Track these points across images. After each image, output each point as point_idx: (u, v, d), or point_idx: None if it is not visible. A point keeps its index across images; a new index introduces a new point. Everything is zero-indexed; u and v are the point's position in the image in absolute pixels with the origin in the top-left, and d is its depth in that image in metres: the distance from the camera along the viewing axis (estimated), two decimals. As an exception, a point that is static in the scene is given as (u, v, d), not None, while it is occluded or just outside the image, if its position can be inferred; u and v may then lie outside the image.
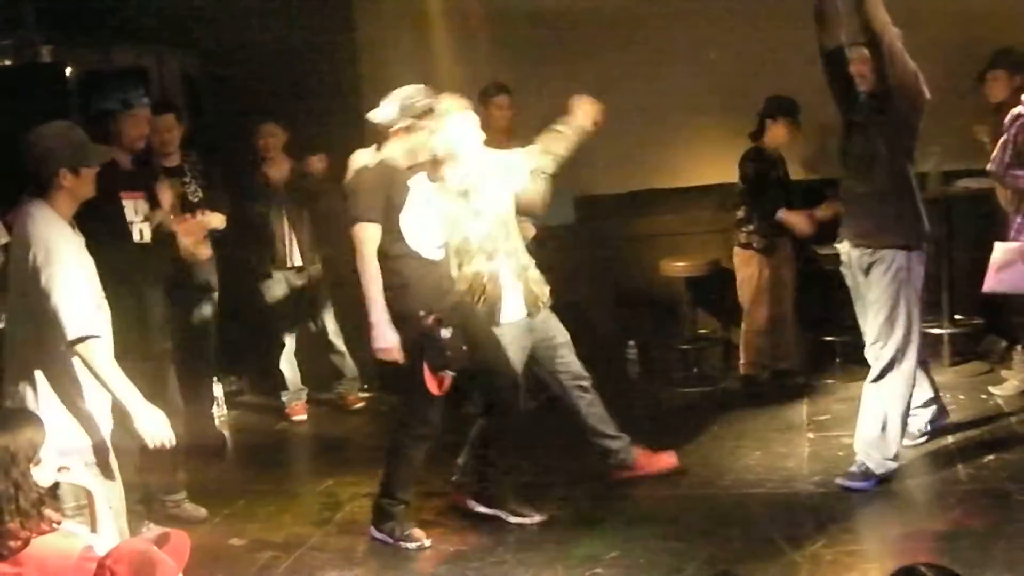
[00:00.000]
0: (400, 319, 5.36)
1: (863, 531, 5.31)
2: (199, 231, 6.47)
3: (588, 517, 5.72)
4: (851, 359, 7.71)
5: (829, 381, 7.59)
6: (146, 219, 5.84)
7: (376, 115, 5.43)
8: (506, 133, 7.25)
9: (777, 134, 7.27)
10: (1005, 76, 6.85)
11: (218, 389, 7.81)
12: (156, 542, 4.06)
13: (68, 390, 4.42)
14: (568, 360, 6.11)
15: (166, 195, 6.29)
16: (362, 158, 5.47)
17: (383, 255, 5.36)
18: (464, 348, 5.41)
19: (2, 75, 8.01)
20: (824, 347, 7.80)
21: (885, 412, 5.71)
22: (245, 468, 6.93)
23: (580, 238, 8.37)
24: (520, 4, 8.41)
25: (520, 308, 5.85)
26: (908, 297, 5.64)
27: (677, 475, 6.17)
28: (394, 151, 5.40)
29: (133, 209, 5.76)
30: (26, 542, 3.71)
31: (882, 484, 5.69)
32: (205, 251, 6.59)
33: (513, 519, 5.70)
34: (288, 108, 7.97)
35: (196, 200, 7.08)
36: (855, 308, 5.93)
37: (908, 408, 5.80)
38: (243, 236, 7.57)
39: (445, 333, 5.32)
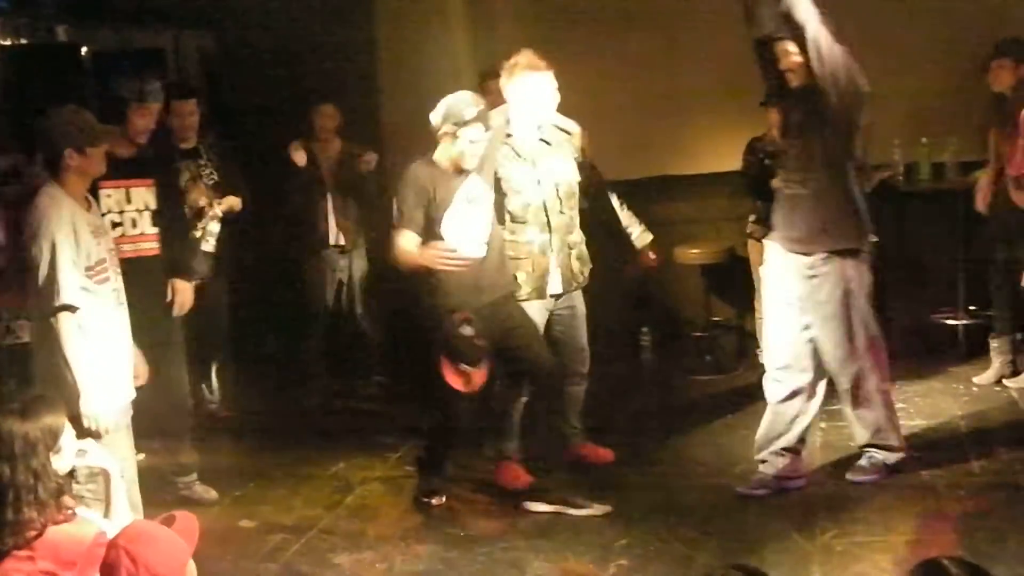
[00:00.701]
0: (424, 313, 5.52)
1: (875, 522, 5.26)
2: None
3: (601, 503, 5.67)
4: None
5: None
6: (147, 208, 5.81)
7: (430, 116, 5.53)
8: None
9: (775, 123, 7.18)
10: (1011, 65, 6.76)
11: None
12: (163, 522, 4.06)
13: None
14: (578, 341, 6.14)
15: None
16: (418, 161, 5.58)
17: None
18: (483, 345, 5.38)
19: (18, 54, 8.02)
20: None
21: (883, 405, 5.65)
22: (255, 450, 6.91)
23: (593, 223, 8.31)
24: (542, 12, 8.39)
25: (558, 284, 5.89)
26: (858, 304, 5.46)
27: (690, 465, 6.16)
28: (440, 154, 5.50)
29: (126, 197, 5.69)
30: (42, 531, 3.72)
31: (892, 475, 5.65)
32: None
33: (575, 512, 5.62)
34: (305, 90, 7.94)
35: (211, 183, 7.08)
36: (759, 302, 5.89)
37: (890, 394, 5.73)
38: (279, 216, 7.64)
39: (467, 330, 5.32)
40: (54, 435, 3.85)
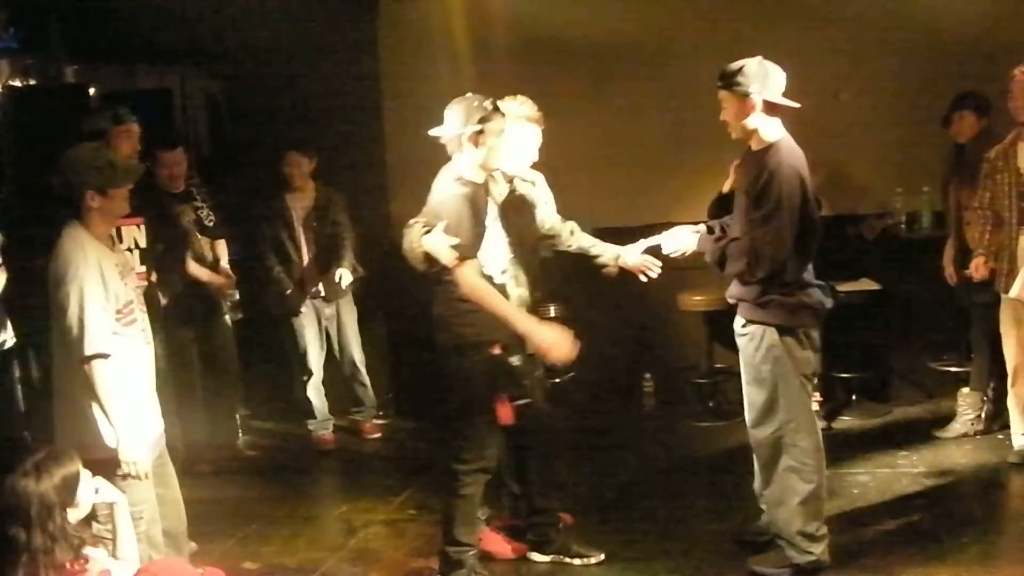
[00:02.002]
0: (466, 347, 5.14)
1: (879, 568, 5.26)
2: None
3: (600, 549, 5.64)
4: (868, 396, 7.75)
5: (845, 418, 7.56)
6: (136, 246, 5.88)
7: (442, 129, 5.21)
8: None
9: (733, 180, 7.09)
10: (973, 117, 6.86)
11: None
12: None
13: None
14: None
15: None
16: (445, 180, 5.20)
17: (453, 280, 5.09)
18: (539, 375, 5.28)
19: (27, 94, 8.08)
20: (840, 384, 7.76)
21: (791, 502, 5.17)
22: (260, 491, 6.91)
23: (585, 270, 8.36)
24: (545, 33, 8.48)
25: None
26: (787, 377, 5.11)
27: (689, 510, 6.17)
28: (468, 163, 5.17)
29: (117, 236, 5.63)
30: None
31: (799, 574, 5.21)
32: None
33: (575, 562, 5.57)
34: (311, 131, 7.99)
35: (211, 224, 7.15)
36: None
37: (813, 490, 5.15)
38: (264, 261, 7.56)
39: (516, 360, 5.18)
40: (71, 491, 3.81)
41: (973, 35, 7.80)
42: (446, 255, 5.03)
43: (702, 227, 5.43)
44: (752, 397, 5.27)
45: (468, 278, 5.06)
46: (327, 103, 8.58)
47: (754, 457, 5.37)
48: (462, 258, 5.03)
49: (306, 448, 7.71)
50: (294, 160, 7.48)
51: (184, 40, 8.65)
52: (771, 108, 5.03)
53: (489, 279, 5.14)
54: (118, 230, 5.67)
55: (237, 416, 7.63)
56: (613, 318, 8.56)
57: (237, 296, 7.45)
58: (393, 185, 8.73)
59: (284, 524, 6.33)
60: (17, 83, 8.04)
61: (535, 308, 5.41)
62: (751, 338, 5.17)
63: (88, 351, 4.36)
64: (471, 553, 5.32)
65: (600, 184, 8.54)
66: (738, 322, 5.30)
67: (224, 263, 7.28)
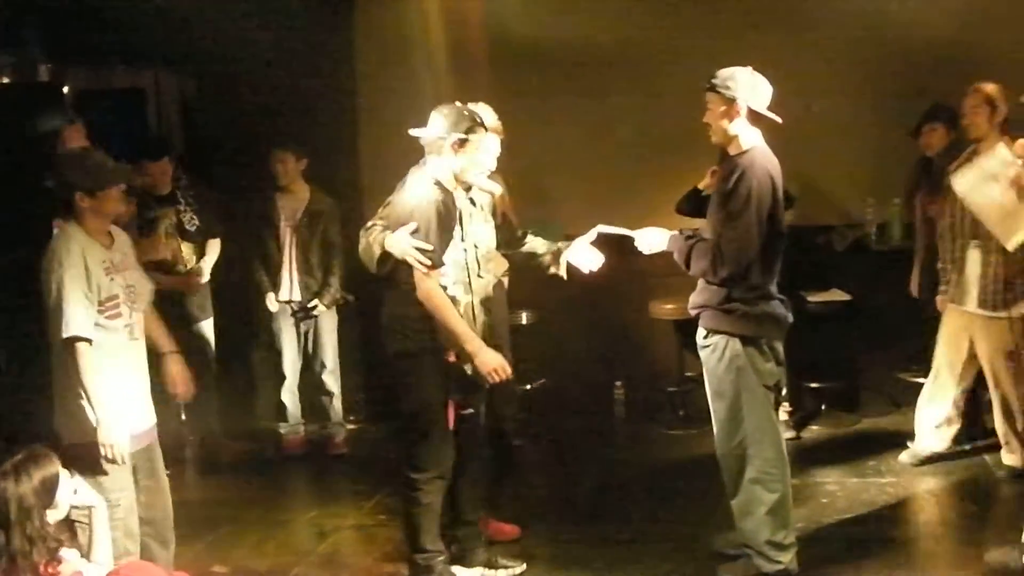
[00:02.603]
0: (421, 352, 5.14)
1: (846, 579, 5.32)
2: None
3: (572, 558, 5.72)
4: (838, 405, 7.79)
5: (814, 427, 7.60)
6: None
7: (427, 131, 5.19)
8: None
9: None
10: (943, 130, 6.95)
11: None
12: None
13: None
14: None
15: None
16: (421, 183, 5.18)
17: (411, 284, 5.08)
18: (485, 384, 5.29)
19: (1, 93, 8.05)
20: (810, 393, 7.80)
21: (757, 512, 5.21)
22: (231, 495, 6.90)
23: (569, 276, 8.38)
24: (521, 39, 8.49)
25: None
26: (750, 388, 5.15)
27: (660, 519, 6.19)
28: (445, 169, 5.17)
29: None
30: None
31: None
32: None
33: (501, 572, 5.57)
34: (285, 132, 7.96)
35: (194, 228, 7.13)
36: None
37: (779, 499, 5.19)
38: (248, 262, 7.53)
39: (468, 368, 5.16)
40: (49, 492, 3.85)
41: (945, 46, 7.85)
42: (414, 258, 5.02)
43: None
44: (716, 408, 5.30)
45: (429, 286, 5.06)
46: (301, 105, 8.55)
47: (722, 468, 5.38)
48: (429, 267, 5.03)
49: (277, 452, 7.69)
50: (278, 157, 7.40)
51: (158, 40, 8.60)
52: (754, 118, 5.11)
53: (444, 288, 5.13)
54: None
55: (214, 420, 7.58)
56: (584, 326, 8.58)
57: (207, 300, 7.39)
58: (367, 188, 8.71)
59: (254, 528, 6.32)
60: (-9, 81, 8.03)
61: (485, 317, 5.40)
62: (713, 349, 5.20)
63: (66, 332, 4.53)
64: (440, 559, 5.32)
65: (574, 190, 8.57)
66: (700, 334, 5.32)
67: (205, 263, 7.25)
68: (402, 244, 5.06)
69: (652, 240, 5.41)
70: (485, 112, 5.41)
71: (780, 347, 5.24)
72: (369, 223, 5.38)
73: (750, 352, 5.11)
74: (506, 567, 5.58)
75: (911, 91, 7.79)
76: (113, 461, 4.55)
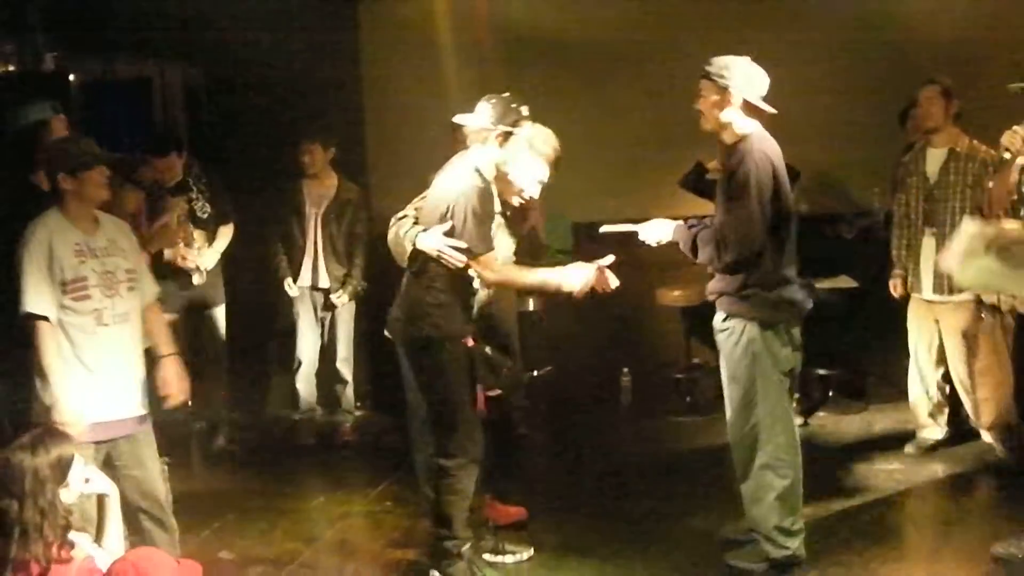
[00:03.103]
0: (444, 339, 5.08)
1: (855, 564, 5.30)
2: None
3: (579, 545, 5.72)
4: (844, 392, 7.79)
5: (821, 415, 7.59)
6: None
7: (471, 119, 5.19)
8: None
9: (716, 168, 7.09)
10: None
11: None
12: None
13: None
14: None
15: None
16: (462, 171, 5.13)
17: (437, 271, 5.07)
18: (510, 363, 5.28)
19: (5, 80, 8.04)
20: (817, 380, 7.79)
21: (767, 498, 5.17)
22: (237, 482, 6.90)
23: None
24: (526, 30, 8.47)
25: None
26: (765, 373, 5.11)
27: (667, 505, 6.19)
28: (487, 159, 5.13)
29: None
30: (45, 572, 3.74)
31: (775, 569, 5.21)
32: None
33: (509, 558, 5.55)
34: (290, 121, 7.96)
35: (205, 216, 7.13)
36: None
37: (789, 485, 5.16)
38: (269, 248, 7.54)
39: (489, 350, 5.17)
40: (63, 470, 3.87)
41: (952, 36, 7.84)
42: (448, 257, 4.99)
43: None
44: (730, 393, 5.27)
45: (491, 271, 5.06)
46: (307, 96, 8.55)
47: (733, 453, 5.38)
48: (479, 254, 5.00)
49: (285, 439, 7.70)
50: (306, 148, 7.42)
51: (164, 31, 8.60)
52: (748, 109, 5.07)
53: (466, 274, 5.10)
54: None
55: (221, 408, 7.56)
56: (591, 313, 8.54)
57: (200, 266, 7.26)
58: (373, 177, 8.72)
59: (261, 515, 6.32)
60: (-4, 70, 8.02)
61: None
62: (730, 333, 5.17)
63: (22, 309, 4.65)
64: (467, 546, 5.28)
65: (580, 180, 8.52)
66: (717, 318, 5.29)
67: (212, 250, 7.23)
68: (435, 243, 5.05)
69: (657, 232, 5.40)
70: (544, 135, 5.26)
71: (797, 332, 5.22)
72: (401, 213, 5.36)
73: (767, 337, 5.09)
74: (513, 552, 5.57)
75: (919, 80, 7.76)
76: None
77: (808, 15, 8.29)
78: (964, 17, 7.97)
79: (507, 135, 5.09)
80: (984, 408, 6.52)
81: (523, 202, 5.39)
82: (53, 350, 4.66)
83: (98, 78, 8.53)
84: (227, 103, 8.79)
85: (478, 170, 5.09)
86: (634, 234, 5.47)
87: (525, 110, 5.15)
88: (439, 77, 8.52)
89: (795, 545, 5.19)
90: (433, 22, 8.68)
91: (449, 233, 5.01)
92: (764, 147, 5.05)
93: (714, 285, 5.26)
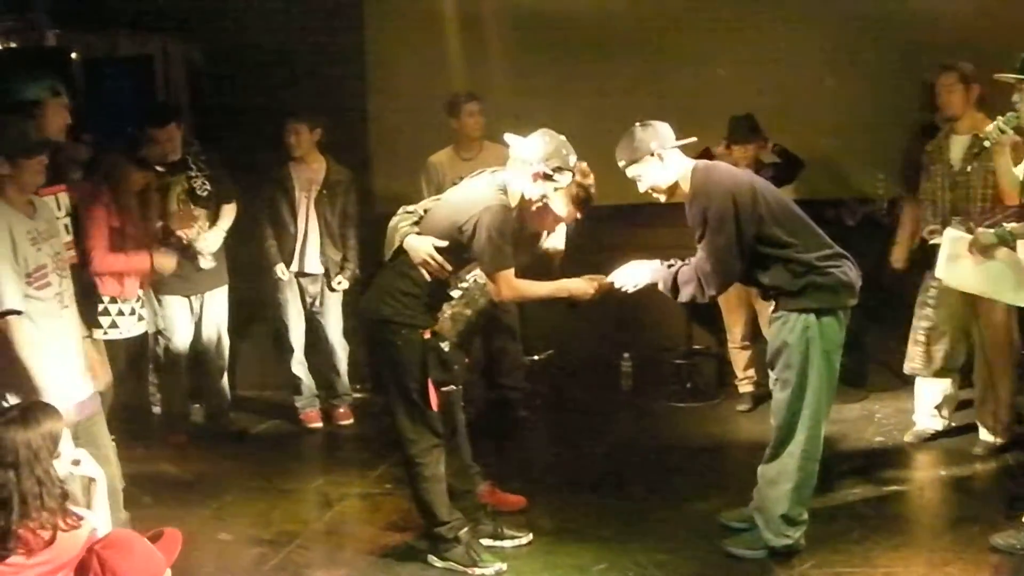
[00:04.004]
0: (401, 324, 5.11)
1: (854, 553, 5.30)
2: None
3: (578, 529, 5.72)
4: (844, 380, 7.75)
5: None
6: (68, 214, 5.77)
7: (518, 144, 5.16)
8: (478, 139, 7.29)
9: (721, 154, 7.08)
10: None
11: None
12: (150, 538, 4.07)
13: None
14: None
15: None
16: (487, 185, 5.14)
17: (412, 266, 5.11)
18: (466, 361, 5.31)
19: (7, 56, 8.00)
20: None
21: (784, 485, 5.21)
22: (236, 463, 6.89)
23: (579, 247, 8.35)
24: (527, 12, 8.43)
25: None
26: (816, 361, 5.11)
27: (666, 490, 6.18)
28: (517, 186, 5.10)
29: (56, 205, 5.60)
30: (52, 539, 3.77)
31: (774, 557, 5.25)
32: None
33: (507, 543, 5.53)
34: (292, 101, 7.91)
35: (205, 194, 7.08)
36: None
37: (805, 477, 5.22)
38: (259, 231, 7.48)
39: (446, 347, 5.16)
40: (54, 440, 3.91)
41: (957, 22, 7.80)
42: (429, 266, 5.04)
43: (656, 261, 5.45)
44: (784, 377, 5.20)
45: (508, 287, 5.09)
46: (310, 76, 8.52)
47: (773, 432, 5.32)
48: (497, 270, 5.02)
49: (284, 421, 7.69)
50: (292, 128, 7.33)
51: (166, 7, 8.56)
52: (674, 157, 5.20)
53: (442, 283, 5.17)
54: (56, 198, 5.62)
55: (225, 389, 7.54)
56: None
57: (204, 250, 7.16)
58: (376, 161, 8.69)
59: (260, 496, 6.33)
60: (-2, 46, 7.98)
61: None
62: (784, 320, 5.16)
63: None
64: (463, 528, 5.28)
65: (586, 163, 8.53)
66: (770, 307, 5.32)
67: (215, 232, 7.15)
68: (422, 249, 5.07)
69: (634, 275, 5.42)
70: (585, 181, 5.23)
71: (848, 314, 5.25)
72: (411, 207, 5.34)
73: (824, 322, 5.12)
74: (513, 536, 5.56)
75: (923, 66, 7.73)
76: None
77: (811, 1, 8.25)
78: (974, 2, 7.92)
79: (546, 176, 5.05)
80: (1003, 405, 6.48)
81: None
82: (29, 342, 4.61)
83: (100, 55, 8.48)
84: (229, 81, 8.74)
85: (504, 191, 5.08)
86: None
87: (573, 159, 5.11)
88: (443, 58, 8.48)
89: (797, 535, 5.21)
90: (439, 5, 8.63)
91: (455, 245, 5.03)
92: (709, 176, 5.14)
93: (768, 281, 5.21)
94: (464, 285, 5.32)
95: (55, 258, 4.79)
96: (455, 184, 5.74)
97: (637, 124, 5.18)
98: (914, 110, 7.33)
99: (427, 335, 5.14)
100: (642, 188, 5.23)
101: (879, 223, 7.97)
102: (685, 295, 5.23)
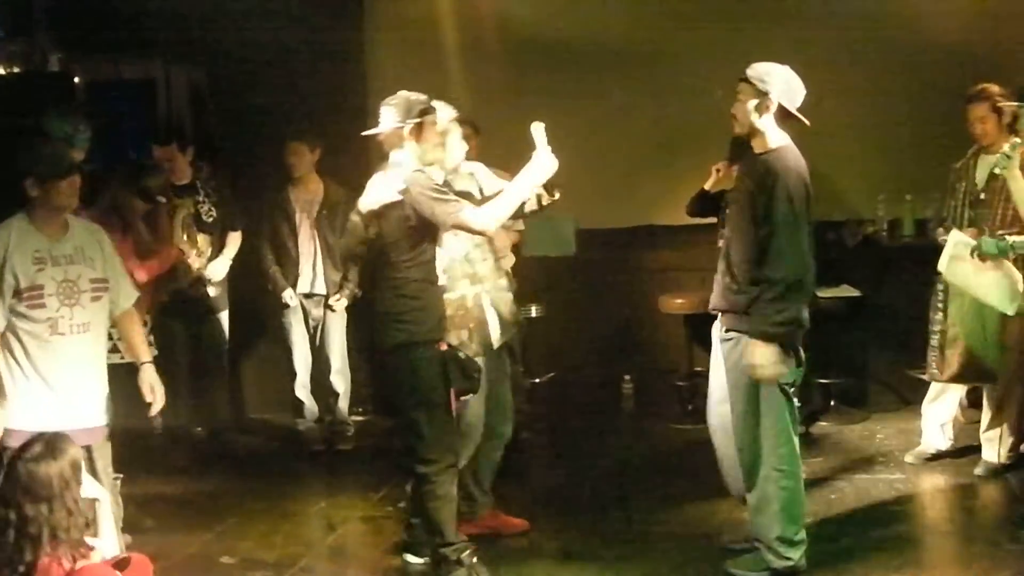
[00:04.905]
0: (418, 343, 5.12)
1: (856, 574, 5.29)
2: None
3: (579, 551, 5.71)
4: (846, 401, 7.78)
5: (823, 423, 7.59)
6: None
7: (380, 126, 5.25)
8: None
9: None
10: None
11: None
12: (116, 565, 4.05)
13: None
14: (506, 397, 5.95)
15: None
16: (393, 177, 5.17)
17: (408, 277, 5.13)
18: (482, 369, 5.34)
19: (10, 81, 8.04)
20: (819, 389, 7.78)
21: (770, 508, 5.18)
22: (239, 485, 6.90)
23: (580, 270, 8.39)
24: (532, 34, 8.47)
25: (497, 331, 5.72)
26: (769, 386, 5.07)
27: (668, 512, 6.19)
28: (410, 158, 5.18)
29: None
30: (71, 571, 3.78)
31: None
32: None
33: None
34: (295, 123, 7.94)
35: (210, 220, 7.10)
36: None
37: (790, 496, 5.16)
38: (260, 255, 7.50)
39: (463, 355, 5.20)
40: (79, 469, 3.92)
41: (958, 42, 7.82)
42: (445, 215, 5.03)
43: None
44: (734, 401, 5.25)
45: (475, 222, 5.08)
46: (312, 98, 8.54)
47: (738, 462, 5.35)
48: (457, 215, 5.01)
49: (286, 443, 7.69)
50: (292, 149, 7.37)
51: (169, 31, 8.59)
52: (783, 116, 5.08)
53: (432, 280, 5.21)
54: None
55: (223, 412, 7.55)
56: (594, 319, 8.58)
57: (210, 277, 7.25)
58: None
59: (262, 519, 6.33)
60: (1, 70, 8.01)
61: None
62: (735, 343, 5.16)
63: None
64: (467, 552, 5.27)
65: (584, 186, 8.52)
66: (720, 327, 5.30)
67: (220, 262, 7.19)
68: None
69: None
70: (443, 108, 5.42)
71: (800, 348, 5.17)
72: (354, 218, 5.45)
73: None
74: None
75: (923, 87, 7.78)
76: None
77: (811, 17, 8.27)
78: (971, 20, 7.93)
79: (419, 126, 5.15)
80: (1011, 427, 6.47)
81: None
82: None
83: (103, 79, 8.52)
84: (232, 104, 8.78)
85: (403, 166, 5.16)
86: None
87: (424, 97, 5.21)
88: (444, 80, 8.50)
89: (797, 556, 5.19)
90: (439, 25, 8.66)
91: (413, 232, 5.07)
92: (799, 164, 5.07)
93: (721, 302, 5.24)
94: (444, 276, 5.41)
95: (62, 284, 4.75)
96: None
97: (787, 66, 5.11)
98: (915, 130, 7.33)
99: (443, 346, 5.18)
100: (734, 109, 5.10)
101: (879, 244, 7.98)
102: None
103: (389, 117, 5.20)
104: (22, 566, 3.78)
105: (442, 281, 5.32)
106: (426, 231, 5.11)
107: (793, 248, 4.97)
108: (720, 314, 5.29)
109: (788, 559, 5.18)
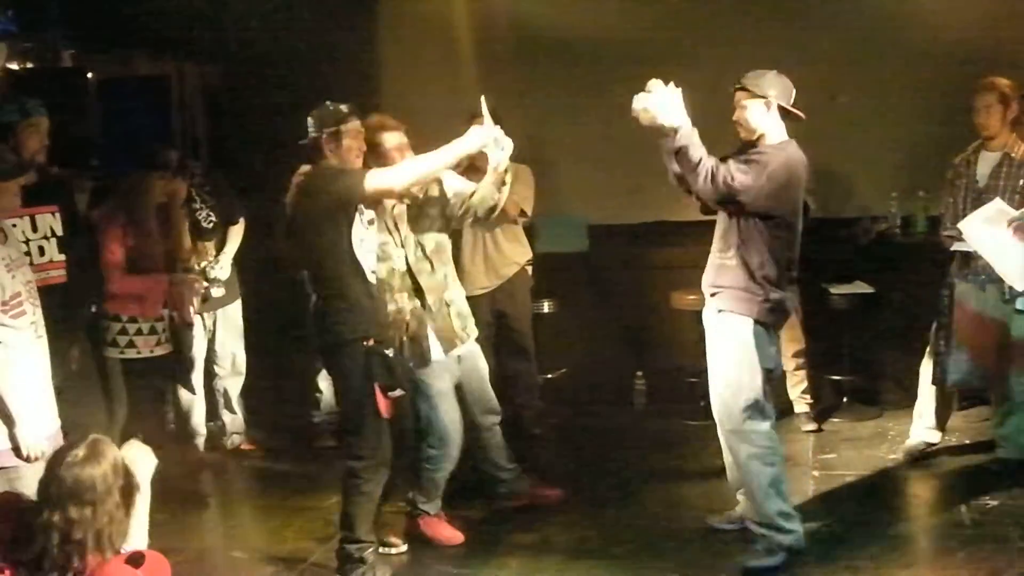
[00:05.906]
0: (345, 343, 5.17)
1: (867, 570, 5.28)
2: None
3: (591, 547, 5.73)
4: (859, 398, 7.77)
5: (836, 420, 7.57)
6: (53, 235, 5.73)
7: (305, 138, 5.30)
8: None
9: None
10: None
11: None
12: (131, 560, 4.04)
13: None
14: (484, 393, 6.02)
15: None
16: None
17: (331, 275, 5.18)
18: (410, 365, 5.44)
19: (23, 77, 8.07)
20: (832, 386, 7.77)
21: (762, 487, 5.32)
22: (250, 480, 6.91)
23: (592, 267, 8.39)
24: (543, 32, 8.48)
25: (438, 349, 5.70)
26: (752, 366, 5.25)
27: (679, 508, 6.19)
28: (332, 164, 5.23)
29: (31, 226, 5.61)
30: (94, 572, 3.74)
31: (794, 556, 5.33)
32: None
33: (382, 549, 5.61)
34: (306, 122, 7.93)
35: (210, 226, 7.06)
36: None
37: (777, 472, 5.35)
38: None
39: (389, 352, 5.26)
40: (119, 474, 3.87)
41: (969, 38, 7.82)
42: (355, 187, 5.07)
43: None
44: (716, 383, 5.40)
45: (383, 180, 5.09)
46: (324, 96, 8.52)
47: (724, 449, 5.48)
48: (361, 184, 5.04)
49: (298, 438, 7.69)
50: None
51: (182, 28, 8.62)
52: (782, 115, 5.28)
53: (361, 276, 5.20)
54: (32, 219, 5.60)
55: (239, 407, 7.55)
56: (606, 316, 8.57)
57: (217, 277, 7.18)
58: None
59: (274, 514, 6.35)
60: (15, 66, 8.03)
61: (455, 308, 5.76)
62: (722, 322, 5.33)
63: None
64: (370, 550, 5.34)
65: (596, 182, 8.57)
66: (711, 309, 5.44)
67: (222, 262, 7.16)
68: None
69: (660, 105, 5.38)
70: (378, 117, 5.64)
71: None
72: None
73: (759, 332, 5.25)
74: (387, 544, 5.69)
75: (936, 83, 7.76)
76: (29, 460, 4.48)
77: (823, 15, 8.27)
78: (985, 16, 7.92)
79: (335, 135, 5.19)
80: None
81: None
82: (3, 373, 4.50)
83: (116, 76, 8.54)
84: (245, 102, 8.80)
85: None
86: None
87: (344, 107, 5.26)
88: (456, 78, 8.52)
89: (797, 526, 5.33)
90: (451, 22, 8.68)
91: (329, 218, 5.12)
92: (796, 158, 5.26)
93: (716, 279, 5.40)
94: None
95: (27, 286, 4.66)
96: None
97: (775, 71, 5.30)
98: (928, 126, 7.31)
99: (369, 343, 5.19)
100: (736, 116, 5.31)
101: (892, 241, 7.96)
102: (679, 166, 5.25)
103: (309, 127, 5.27)
104: (70, 573, 3.76)
105: (374, 280, 5.34)
106: (336, 213, 5.13)
107: (734, 179, 5.12)
108: (709, 296, 5.45)
109: (792, 531, 5.31)
